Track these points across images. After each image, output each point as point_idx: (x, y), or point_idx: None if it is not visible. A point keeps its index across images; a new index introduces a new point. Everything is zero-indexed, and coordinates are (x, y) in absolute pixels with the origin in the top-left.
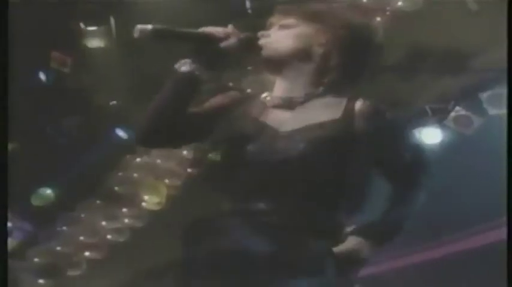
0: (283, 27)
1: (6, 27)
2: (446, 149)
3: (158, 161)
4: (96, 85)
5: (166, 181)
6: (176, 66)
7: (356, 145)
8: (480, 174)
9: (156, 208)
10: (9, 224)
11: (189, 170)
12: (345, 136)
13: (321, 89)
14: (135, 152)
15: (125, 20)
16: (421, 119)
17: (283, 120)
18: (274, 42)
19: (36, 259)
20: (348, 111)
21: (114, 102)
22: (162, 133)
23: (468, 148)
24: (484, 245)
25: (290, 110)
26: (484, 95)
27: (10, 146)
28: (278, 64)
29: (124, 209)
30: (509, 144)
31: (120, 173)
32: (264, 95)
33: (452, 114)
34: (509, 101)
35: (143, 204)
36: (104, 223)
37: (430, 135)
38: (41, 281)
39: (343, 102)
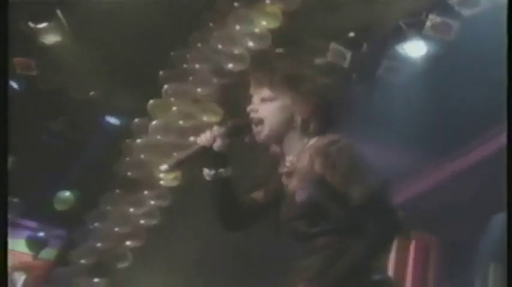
0: (264, 100)
1: (6, 27)
2: (433, 58)
3: (158, 137)
4: (69, 80)
5: (174, 154)
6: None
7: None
8: (472, 77)
9: (174, 183)
10: (41, 234)
11: (191, 139)
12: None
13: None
14: (132, 134)
15: (72, 9)
16: (399, 36)
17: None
18: (263, 118)
19: (82, 261)
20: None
21: (93, 92)
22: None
23: (455, 53)
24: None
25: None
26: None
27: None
28: (275, 136)
29: (145, 192)
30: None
31: (127, 159)
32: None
33: (428, 23)
34: (509, 101)
35: (161, 182)
36: (131, 209)
37: (414, 49)
38: (96, 280)
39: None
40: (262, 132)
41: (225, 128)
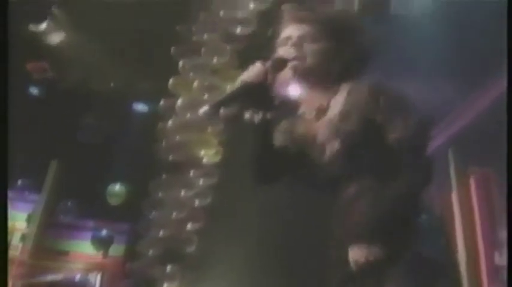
0: (304, 39)
1: (6, 27)
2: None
3: (188, 115)
4: (86, 75)
5: (209, 129)
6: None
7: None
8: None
9: (217, 159)
10: (105, 232)
11: (221, 111)
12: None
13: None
14: (162, 117)
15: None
16: None
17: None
18: (301, 57)
19: (151, 251)
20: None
21: (113, 83)
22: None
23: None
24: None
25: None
26: None
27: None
28: (308, 79)
29: (191, 173)
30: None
31: (163, 143)
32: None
33: None
34: (509, 101)
35: (204, 160)
36: (183, 192)
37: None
38: (168, 267)
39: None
40: (300, 68)
41: (271, 62)
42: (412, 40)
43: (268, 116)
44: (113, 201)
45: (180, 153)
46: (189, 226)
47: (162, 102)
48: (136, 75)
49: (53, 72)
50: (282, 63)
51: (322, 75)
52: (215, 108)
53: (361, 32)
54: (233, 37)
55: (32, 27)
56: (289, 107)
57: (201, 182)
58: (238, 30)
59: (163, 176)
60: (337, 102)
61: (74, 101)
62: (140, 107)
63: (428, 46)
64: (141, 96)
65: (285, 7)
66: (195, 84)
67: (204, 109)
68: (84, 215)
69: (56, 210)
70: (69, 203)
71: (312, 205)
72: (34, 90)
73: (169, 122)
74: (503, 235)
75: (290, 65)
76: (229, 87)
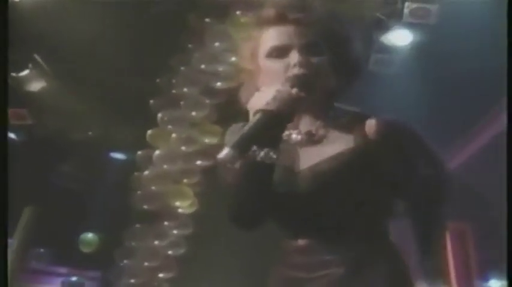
0: (306, 49)
1: (6, 27)
2: (419, 44)
3: (165, 166)
4: (65, 123)
5: (185, 181)
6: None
7: (374, 168)
8: (465, 55)
9: (192, 209)
10: (74, 279)
11: (198, 162)
12: (361, 162)
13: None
14: (138, 167)
15: (49, 51)
16: (381, 28)
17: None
18: (307, 74)
19: None
20: (360, 137)
21: (91, 132)
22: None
23: (440, 36)
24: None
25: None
26: None
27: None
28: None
29: (166, 223)
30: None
31: (139, 192)
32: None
33: (406, 10)
34: (509, 101)
35: (179, 211)
36: (156, 242)
37: (398, 38)
38: None
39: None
40: (302, 93)
41: (290, 82)
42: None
43: (276, 155)
44: (85, 249)
45: (155, 203)
46: (161, 275)
47: (139, 152)
48: (115, 125)
49: (31, 119)
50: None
51: (317, 91)
52: (238, 147)
53: (350, 40)
54: (213, 91)
55: (13, 74)
56: None
57: (175, 231)
58: (219, 84)
59: (137, 225)
60: (333, 141)
61: (51, 148)
62: (118, 155)
63: (397, 102)
64: (118, 146)
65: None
66: (173, 135)
67: (225, 152)
68: (56, 262)
69: (27, 256)
70: (42, 250)
71: None
72: (12, 136)
73: (146, 172)
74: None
75: (291, 91)
76: (247, 125)
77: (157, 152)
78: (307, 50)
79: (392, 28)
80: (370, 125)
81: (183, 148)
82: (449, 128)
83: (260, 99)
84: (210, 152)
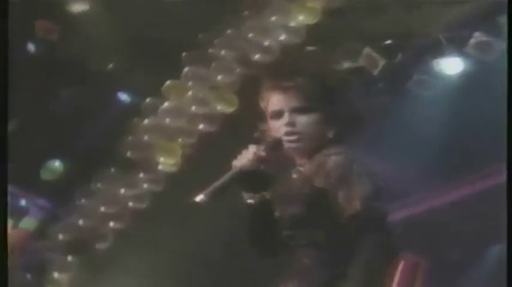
0: (296, 111)
1: (6, 27)
2: (468, 77)
3: (167, 120)
4: (89, 51)
5: (180, 140)
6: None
7: None
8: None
9: (172, 169)
10: (23, 202)
11: (201, 126)
12: None
13: None
14: (141, 114)
15: None
16: (436, 50)
17: None
18: (302, 133)
19: (60, 236)
20: None
21: (111, 65)
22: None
23: (492, 75)
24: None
25: None
26: (502, 19)
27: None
28: (306, 148)
29: (141, 175)
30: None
31: (130, 138)
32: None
33: (472, 41)
34: (509, 101)
35: (159, 167)
36: (122, 190)
37: (449, 66)
38: (69, 258)
39: None
40: (298, 144)
41: (265, 146)
42: (410, 116)
43: (268, 196)
44: (45, 175)
45: (140, 153)
46: (111, 224)
47: (148, 99)
48: (137, 67)
49: (59, 37)
50: (277, 144)
51: (316, 143)
52: (211, 196)
53: (351, 93)
54: (248, 62)
55: None
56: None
57: (145, 185)
58: (257, 56)
59: (112, 169)
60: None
61: (64, 71)
62: (124, 97)
63: (424, 127)
64: (130, 87)
65: (267, 75)
66: (189, 93)
67: (200, 197)
68: (15, 181)
69: None
70: (9, 164)
71: None
72: (31, 47)
73: (146, 121)
74: None
75: (285, 144)
76: (224, 176)
77: (166, 104)
78: (295, 111)
79: (447, 54)
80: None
81: (193, 107)
82: (447, 168)
83: (240, 158)
84: (216, 120)
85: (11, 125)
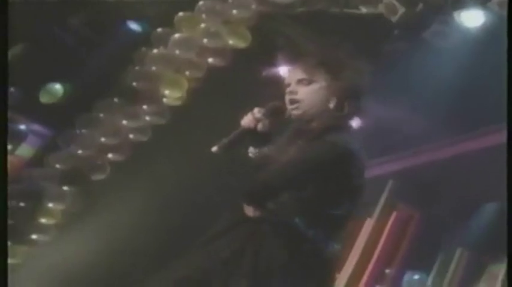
0: (300, 82)
1: (6, 27)
2: (488, 32)
3: (177, 51)
4: None
5: (187, 73)
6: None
7: None
8: None
9: (177, 103)
10: (22, 127)
11: (210, 60)
12: None
13: None
14: (150, 44)
15: None
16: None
17: None
18: (300, 100)
19: (57, 165)
20: None
21: None
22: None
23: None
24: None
25: None
26: None
27: (13, 50)
28: (309, 115)
29: (144, 106)
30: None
31: (137, 68)
32: None
33: None
34: (509, 100)
35: (164, 100)
36: (124, 122)
37: (469, 18)
38: (65, 188)
39: None
40: (298, 111)
41: (265, 110)
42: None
43: (267, 151)
44: (44, 98)
45: (145, 83)
46: (110, 155)
47: (159, 29)
48: None
49: None
50: (277, 109)
51: (320, 112)
52: (223, 148)
53: (353, 69)
54: (265, 1)
55: None
56: None
57: (147, 118)
58: None
59: (115, 99)
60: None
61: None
62: (134, 26)
63: (436, 77)
64: (141, 16)
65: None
66: (202, 25)
67: (214, 149)
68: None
69: None
70: (12, 89)
71: None
72: None
73: (154, 51)
74: (393, 273)
75: (289, 111)
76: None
77: (176, 35)
78: (299, 82)
79: (470, 7)
80: None
81: (204, 40)
82: (456, 122)
83: (246, 117)
84: (227, 55)
85: (14, 50)
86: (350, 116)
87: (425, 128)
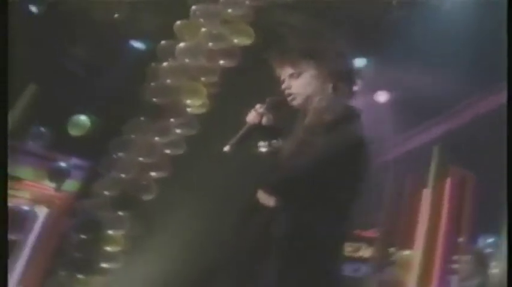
0: (292, 76)
1: (6, 27)
2: None
3: (186, 60)
4: (92, 1)
5: (203, 79)
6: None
7: None
8: None
9: (201, 110)
10: (63, 164)
11: (221, 62)
12: None
13: None
14: (158, 58)
15: None
16: None
17: None
18: (296, 93)
19: (106, 192)
20: None
21: (117, 14)
22: None
23: None
24: None
25: None
26: None
27: (28, 89)
28: (306, 104)
29: (172, 119)
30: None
31: (152, 84)
32: None
33: None
34: (509, 99)
35: (188, 109)
36: (156, 138)
37: None
38: (120, 213)
39: None
40: (297, 101)
41: (265, 104)
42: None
43: (276, 144)
44: (73, 131)
45: (166, 97)
46: (152, 173)
47: (162, 42)
48: (143, 12)
49: None
50: (277, 103)
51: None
52: (235, 146)
53: (336, 53)
54: None
55: None
56: None
57: (178, 131)
58: None
59: (142, 118)
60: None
61: (69, 26)
62: (137, 44)
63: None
64: (141, 34)
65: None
66: (203, 30)
67: (226, 148)
68: (50, 145)
69: (25, 134)
70: (42, 129)
71: None
72: (32, 8)
73: (164, 64)
74: (466, 240)
75: (289, 102)
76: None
77: (181, 44)
78: (290, 77)
79: None
80: None
81: (210, 44)
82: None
83: (250, 114)
84: (236, 53)
85: (30, 90)
86: (349, 96)
87: (451, 88)
